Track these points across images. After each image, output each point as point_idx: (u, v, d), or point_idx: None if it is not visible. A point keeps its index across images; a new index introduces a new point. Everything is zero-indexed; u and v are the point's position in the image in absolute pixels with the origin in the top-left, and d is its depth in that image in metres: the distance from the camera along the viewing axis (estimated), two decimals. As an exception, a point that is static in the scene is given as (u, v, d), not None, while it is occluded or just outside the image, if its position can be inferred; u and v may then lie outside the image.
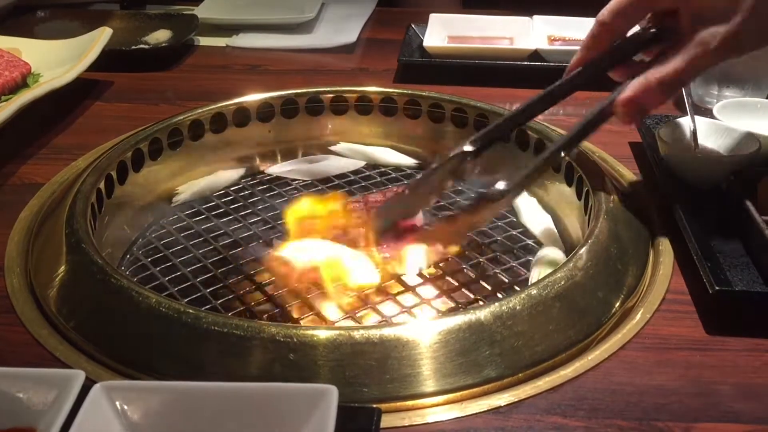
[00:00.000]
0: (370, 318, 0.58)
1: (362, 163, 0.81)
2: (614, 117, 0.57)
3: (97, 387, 0.40)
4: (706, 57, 0.53)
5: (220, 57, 1.10)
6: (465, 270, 0.63)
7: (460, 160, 0.56)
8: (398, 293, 0.61)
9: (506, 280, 0.62)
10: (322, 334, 0.48)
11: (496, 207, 0.55)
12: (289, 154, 0.82)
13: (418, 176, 0.60)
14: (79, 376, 0.40)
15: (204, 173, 0.78)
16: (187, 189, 0.76)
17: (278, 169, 0.80)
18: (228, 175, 0.79)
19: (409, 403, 0.47)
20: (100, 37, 0.96)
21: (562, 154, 0.58)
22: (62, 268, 0.57)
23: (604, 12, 0.56)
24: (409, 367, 0.47)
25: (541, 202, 0.73)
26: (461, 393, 0.48)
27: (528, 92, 0.91)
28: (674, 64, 0.53)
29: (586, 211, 0.65)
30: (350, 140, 0.83)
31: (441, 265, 0.64)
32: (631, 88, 0.55)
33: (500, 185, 0.53)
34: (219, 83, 0.99)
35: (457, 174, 0.57)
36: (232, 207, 0.74)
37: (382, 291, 0.60)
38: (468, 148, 0.56)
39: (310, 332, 0.48)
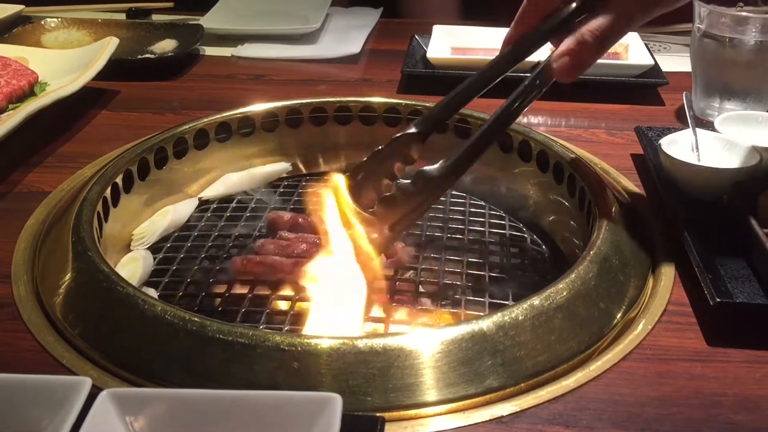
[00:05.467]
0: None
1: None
2: (553, 76, 0.58)
3: (103, 394, 0.40)
4: (636, 7, 0.55)
5: (225, 67, 1.11)
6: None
7: (406, 143, 0.58)
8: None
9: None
10: (326, 342, 0.48)
11: (436, 186, 0.56)
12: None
13: (364, 158, 0.60)
14: (85, 384, 0.40)
15: (207, 183, 0.78)
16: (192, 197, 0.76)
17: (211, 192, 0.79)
18: (235, 180, 0.79)
19: (412, 412, 0.47)
20: (107, 46, 0.97)
21: (501, 128, 0.59)
22: (68, 275, 0.57)
23: None
24: (411, 377, 0.48)
25: (542, 213, 0.74)
26: (464, 402, 0.48)
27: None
28: (605, 16, 0.55)
29: (588, 222, 0.65)
30: (352, 150, 0.84)
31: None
32: (566, 42, 0.56)
33: (439, 163, 0.55)
34: (224, 93, 1.00)
35: (405, 158, 0.58)
36: (240, 212, 0.74)
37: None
38: (412, 130, 0.58)
39: (314, 341, 0.48)
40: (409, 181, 0.56)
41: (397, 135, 0.58)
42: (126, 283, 0.54)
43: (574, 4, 0.58)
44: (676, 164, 0.69)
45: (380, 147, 0.58)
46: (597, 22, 0.55)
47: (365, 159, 0.59)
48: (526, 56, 0.59)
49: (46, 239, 0.64)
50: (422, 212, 0.59)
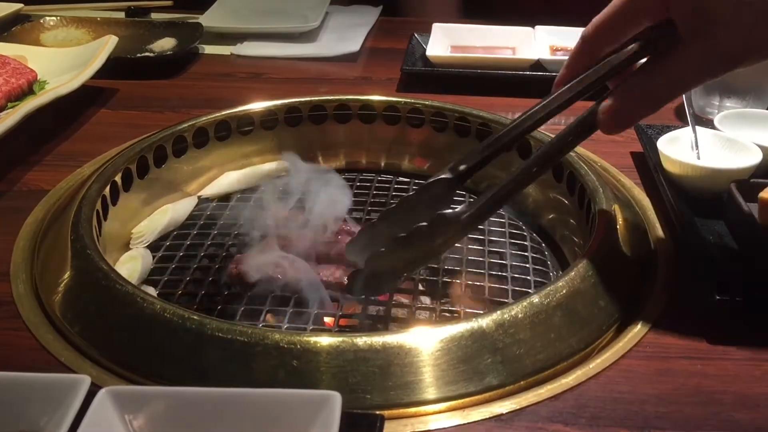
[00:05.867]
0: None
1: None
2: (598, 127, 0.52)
3: (102, 392, 0.40)
4: (696, 71, 0.48)
5: (225, 65, 1.11)
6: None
7: (442, 187, 0.54)
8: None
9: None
10: (325, 340, 0.48)
11: (455, 231, 0.53)
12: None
13: (392, 206, 0.55)
14: (84, 382, 0.41)
15: (207, 181, 0.78)
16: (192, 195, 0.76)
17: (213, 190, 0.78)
18: (234, 178, 0.79)
19: (412, 410, 0.47)
20: (106, 44, 0.97)
21: (538, 170, 0.54)
22: (67, 273, 0.57)
23: (588, 27, 0.52)
24: (411, 374, 0.48)
25: (542, 211, 0.74)
26: (463, 400, 0.48)
27: (530, 101, 0.91)
28: (661, 76, 0.49)
29: (588, 220, 0.65)
30: (352, 149, 0.84)
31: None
32: (614, 96, 0.51)
33: (461, 207, 0.52)
34: (223, 91, 1.00)
35: (440, 202, 0.54)
36: (239, 210, 0.74)
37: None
38: (447, 175, 0.54)
39: (313, 339, 0.48)
40: (426, 223, 0.52)
41: (430, 180, 0.54)
42: (125, 282, 0.54)
43: (635, 46, 0.50)
44: (675, 162, 0.69)
45: (410, 194, 0.54)
46: (652, 80, 0.49)
47: (394, 206, 0.56)
48: (579, 98, 0.53)
49: (45, 238, 0.64)
50: (434, 257, 0.56)
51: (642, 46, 0.51)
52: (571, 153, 0.71)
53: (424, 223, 0.51)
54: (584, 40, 0.52)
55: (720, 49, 0.47)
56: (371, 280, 0.55)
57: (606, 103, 0.51)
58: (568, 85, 0.53)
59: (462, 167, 0.54)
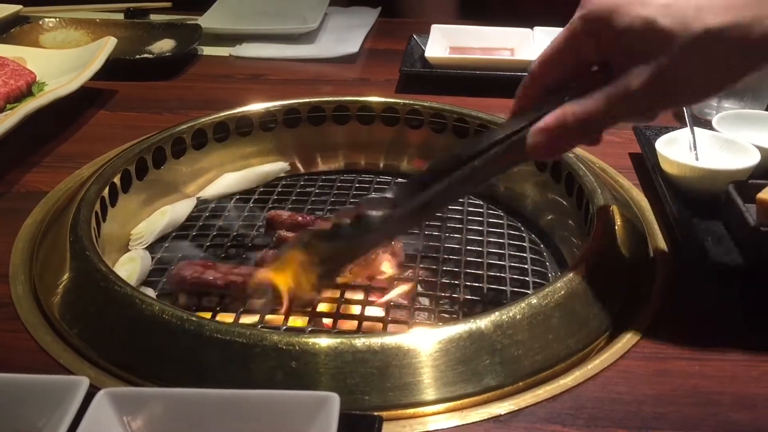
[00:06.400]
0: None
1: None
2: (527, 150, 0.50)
3: (100, 394, 0.40)
4: (627, 96, 0.46)
5: (224, 66, 1.11)
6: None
7: (375, 206, 0.52)
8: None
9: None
10: (324, 342, 0.48)
11: (375, 234, 0.52)
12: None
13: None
14: (82, 383, 0.41)
15: (206, 182, 0.78)
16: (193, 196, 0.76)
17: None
18: (233, 179, 0.79)
19: (410, 411, 0.47)
20: (105, 46, 0.97)
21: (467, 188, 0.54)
22: (66, 275, 0.57)
23: (534, 63, 0.52)
24: (409, 375, 0.48)
25: (540, 212, 0.74)
26: (462, 401, 0.48)
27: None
28: (593, 99, 0.48)
29: (586, 221, 0.65)
30: (350, 150, 0.84)
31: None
32: (545, 119, 0.49)
33: (384, 210, 0.51)
34: (222, 92, 1.00)
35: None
36: (238, 212, 0.74)
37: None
38: (388, 195, 0.52)
39: (311, 340, 0.48)
40: (348, 222, 0.52)
41: (368, 197, 0.54)
42: (124, 283, 0.54)
43: (578, 82, 0.50)
44: (673, 163, 0.69)
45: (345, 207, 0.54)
46: (584, 104, 0.48)
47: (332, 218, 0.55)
48: (529, 127, 0.51)
49: (44, 239, 0.64)
50: (356, 258, 0.55)
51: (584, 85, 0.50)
52: (570, 154, 0.71)
53: (347, 221, 0.52)
54: (531, 77, 0.52)
55: (651, 74, 0.46)
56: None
57: (537, 125, 0.50)
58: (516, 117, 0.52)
59: (404, 192, 0.53)
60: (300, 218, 0.69)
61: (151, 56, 1.11)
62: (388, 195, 0.52)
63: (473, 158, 0.51)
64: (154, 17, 1.32)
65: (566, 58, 0.51)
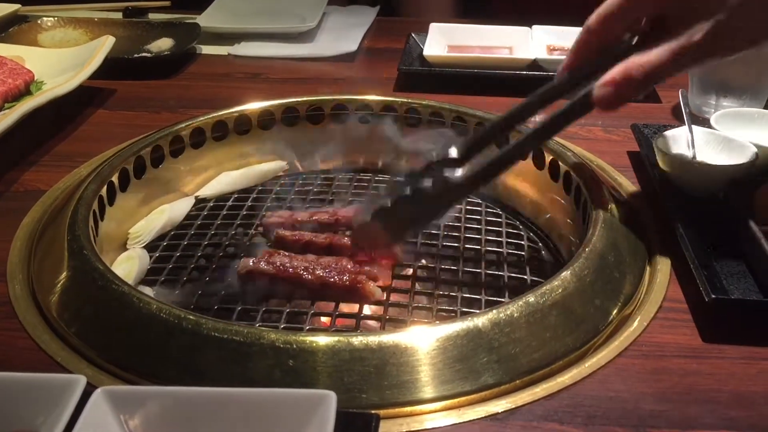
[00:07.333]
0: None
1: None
2: (594, 105, 0.55)
3: (98, 392, 0.40)
4: (690, 49, 0.52)
5: (222, 65, 1.11)
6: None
7: (447, 167, 0.56)
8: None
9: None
10: (322, 340, 0.48)
11: (455, 193, 0.56)
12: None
13: (400, 181, 0.58)
14: (80, 382, 0.41)
15: (204, 181, 0.78)
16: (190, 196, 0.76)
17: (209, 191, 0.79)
18: (231, 178, 0.79)
19: (407, 409, 0.47)
20: (103, 45, 0.97)
21: (535, 143, 0.60)
22: (64, 274, 0.57)
23: (592, 18, 0.56)
24: (407, 374, 0.48)
25: (539, 210, 0.74)
26: (459, 399, 0.48)
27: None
28: (657, 52, 0.53)
29: (584, 219, 0.65)
30: (349, 148, 0.84)
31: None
32: (612, 72, 0.54)
33: (462, 171, 0.55)
34: (220, 91, 1.00)
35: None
36: (236, 211, 0.74)
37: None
38: (454, 154, 0.56)
39: (309, 338, 0.48)
40: (429, 184, 0.56)
41: (436, 160, 0.57)
42: (121, 282, 0.54)
43: (637, 37, 0.55)
44: (672, 161, 0.69)
45: (416, 169, 0.57)
46: (651, 57, 0.53)
47: (400, 179, 0.59)
48: (584, 84, 0.56)
49: (41, 238, 0.64)
50: (436, 218, 0.59)
51: (639, 38, 0.55)
52: (568, 153, 0.71)
53: (429, 184, 0.55)
54: (587, 31, 0.57)
55: (711, 28, 0.51)
56: (378, 233, 0.59)
57: (603, 78, 0.54)
58: (570, 72, 0.58)
59: (468, 148, 0.57)
60: (299, 217, 0.69)
61: (149, 55, 1.11)
62: (453, 155, 0.56)
63: (532, 115, 0.57)
64: (152, 16, 1.32)
65: (627, 13, 0.55)
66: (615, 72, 0.54)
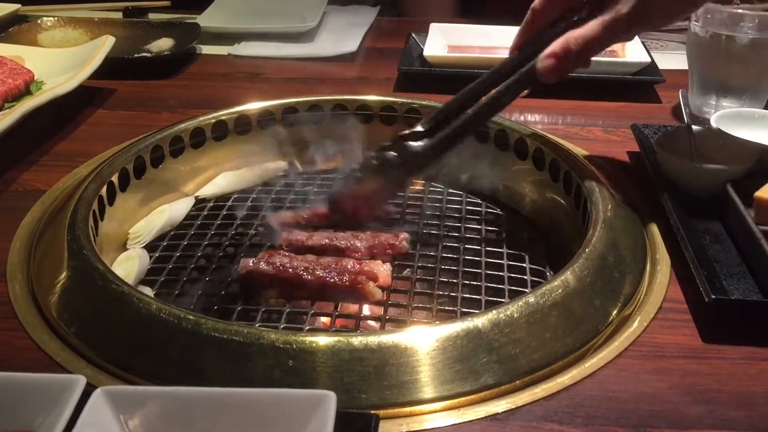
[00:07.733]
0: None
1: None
2: (538, 76, 0.60)
3: (97, 392, 0.40)
4: (619, 21, 0.57)
5: (222, 65, 1.11)
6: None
7: (412, 140, 0.61)
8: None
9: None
10: (321, 340, 0.48)
11: (418, 161, 0.61)
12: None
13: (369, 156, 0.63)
14: (79, 382, 0.41)
15: (204, 181, 0.78)
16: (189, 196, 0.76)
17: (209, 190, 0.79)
18: (231, 179, 0.79)
19: (407, 409, 0.47)
20: (103, 45, 0.97)
21: (488, 114, 0.63)
22: (64, 274, 0.57)
23: (536, 2, 0.62)
24: (407, 374, 0.48)
25: (539, 211, 0.74)
26: (459, 400, 0.48)
27: (526, 100, 0.92)
28: (590, 25, 0.58)
29: (584, 219, 0.65)
30: (349, 149, 0.84)
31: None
32: (552, 45, 0.59)
33: (421, 141, 0.61)
34: (220, 91, 1.00)
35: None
36: (236, 211, 0.74)
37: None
38: (419, 128, 0.62)
39: (309, 339, 0.48)
40: (393, 153, 0.61)
41: (404, 132, 0.62)
42: (121, 282, 0.54)
43: (576, 17, 0.61)
44: (672, 162, 0.69)
45: (385, 143, 0.62)
46: (585, 30, 0.58)
47: (372, 154, 0.63)
48: (532, 60, 0.61)
49: (41, 238, 0.64)
50: (402, 187, 0.65)
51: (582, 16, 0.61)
52: (567, 153, 0.71)
53: (393, 153, 0.62)
54: (533, 12, 0.63)
55: (623, 12, 0.57)
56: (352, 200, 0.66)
57: (545, 51, 0.59)
58: (509, 57, 0.63)
59: (432, 123, 0.63)
60: (297, 217, 0.69)
61: (149, 55, 1.11)
62: (419, 128, 0.62)
63: (486, 92, 0.63)
64: (152, 16, 1.32)
65: None
66: (555, 45, 0.59)
